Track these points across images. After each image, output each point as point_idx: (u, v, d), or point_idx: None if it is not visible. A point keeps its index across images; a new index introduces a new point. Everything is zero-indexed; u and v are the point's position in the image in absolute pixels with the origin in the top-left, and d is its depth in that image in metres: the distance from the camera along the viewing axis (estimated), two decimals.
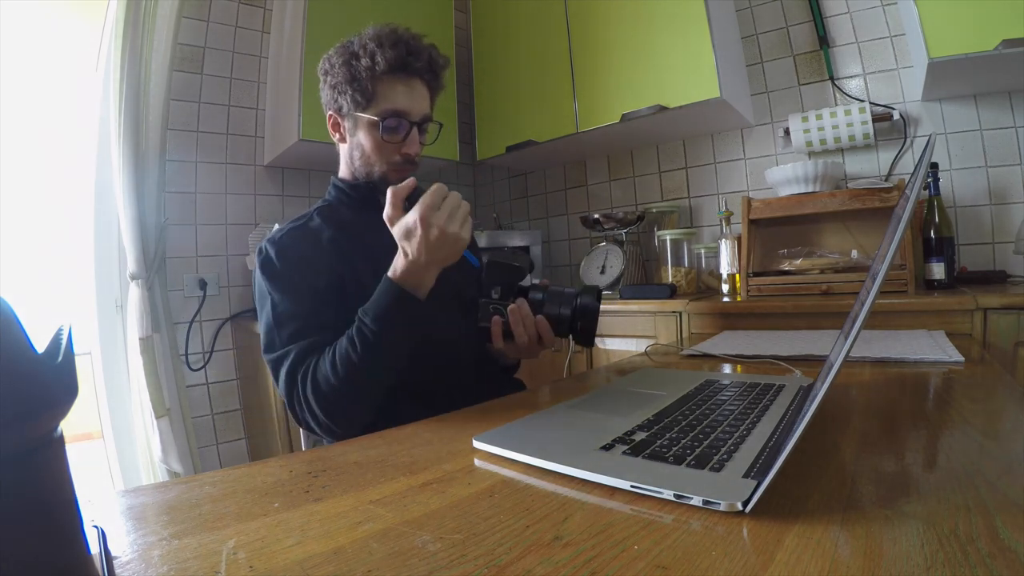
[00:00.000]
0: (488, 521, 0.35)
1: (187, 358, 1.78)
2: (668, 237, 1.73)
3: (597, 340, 1.67)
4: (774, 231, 1.64)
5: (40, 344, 0.21)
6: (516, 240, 2.08)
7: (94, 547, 0.30)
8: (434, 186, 0.72)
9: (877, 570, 0.27)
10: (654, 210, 1.97)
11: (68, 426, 0.22)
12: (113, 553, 0.33)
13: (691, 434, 0.47)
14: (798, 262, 1.45)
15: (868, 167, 1.64)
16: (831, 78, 1.67)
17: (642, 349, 1.09)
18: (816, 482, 0.38)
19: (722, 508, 0.34)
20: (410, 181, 0.74)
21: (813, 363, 0.82)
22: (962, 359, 0.75)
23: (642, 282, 1.96)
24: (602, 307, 0.82)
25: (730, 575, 0.28)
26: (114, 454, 1.71)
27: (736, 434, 0.46)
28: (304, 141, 1.72)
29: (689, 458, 0.41)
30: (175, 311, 1.75)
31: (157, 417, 1.60)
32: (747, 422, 0.49)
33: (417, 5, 2.03)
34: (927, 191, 1.38)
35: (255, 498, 0.42)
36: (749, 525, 0.33)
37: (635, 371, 0.82)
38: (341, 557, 0.31)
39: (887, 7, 1.57)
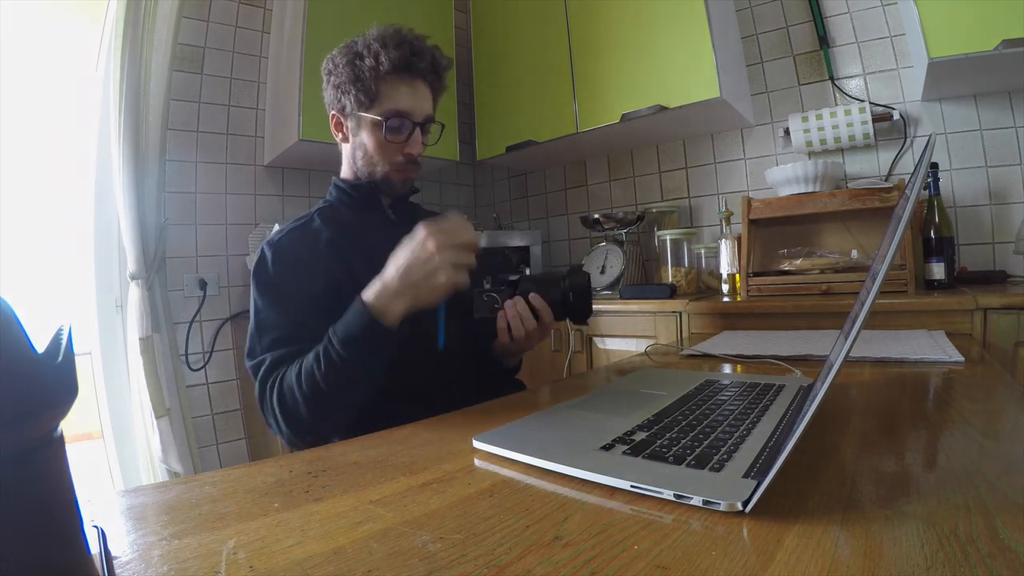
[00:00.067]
0: (488, 521, 0.35)
1: (187, 358, 1.78)
2: (668, 237, 1.73)
3: (597, 340, 1.68)
4: (774, 231, 1.64)
5: (40, 344, 0.21)
6: (516, 240, 2.08)
7: (94, 547, 0.30)
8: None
9: (877, 570, 0.27)
10: (654, 210, 1.97)
11: (68, 426, 0.22)
12: (113, 553, 0.33)
13: (691, 434, 0.47)
14: (798, 262, 1.45)
15: (868, 167, 1.64)
16: (831, 78, 1.67)
17: (642, 349, 1.09)
18: (816, 482, 0.38)
19: (722, 508, 0.34)
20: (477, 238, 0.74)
21: (813, 363, 0.82)
22: (962, 359, 0.75)
23: (642, 282, 1.96)
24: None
25: (730, 575, 0.28)
26: (114, 454, 1.70)
27: (736, 434, 0.46)
28: (304, 141, 1.72)
29: (689, 458, 0.41)
30: (175, 311, 1.75)
31: (157, 417, 1.60)
32: (747, 422, 0.49)
33: (417, 5, 2.03)
34: (927, 191, 1.38)
35: (255, 498, 0.42)
36: (749, 525, 0.33)
37: (635, 371, 0.82)
38: (341, 557, 0.31)
39: (887, 7, 1.57)
